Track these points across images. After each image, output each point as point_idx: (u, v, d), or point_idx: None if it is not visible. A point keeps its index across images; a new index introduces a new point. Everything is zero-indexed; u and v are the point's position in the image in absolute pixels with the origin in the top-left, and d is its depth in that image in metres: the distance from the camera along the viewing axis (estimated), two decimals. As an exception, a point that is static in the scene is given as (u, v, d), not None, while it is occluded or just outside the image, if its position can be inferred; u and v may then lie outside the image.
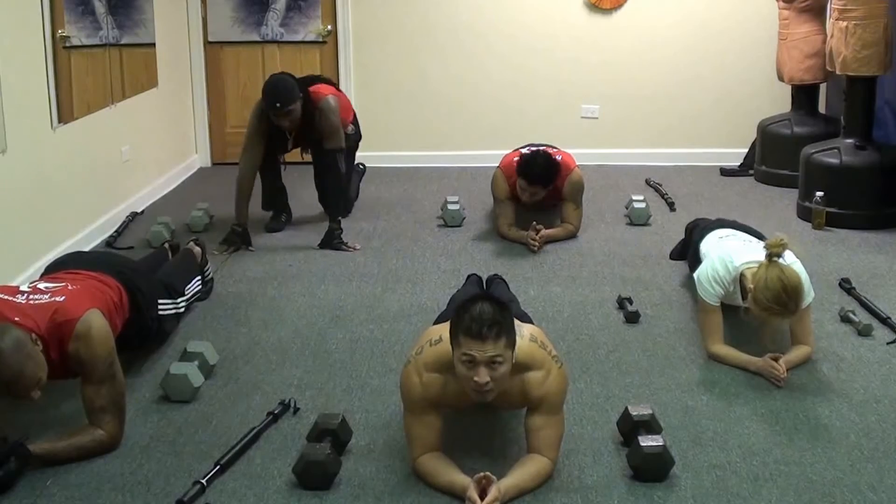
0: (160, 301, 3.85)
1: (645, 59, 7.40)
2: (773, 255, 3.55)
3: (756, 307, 3.55)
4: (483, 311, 2.78)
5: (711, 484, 3.01)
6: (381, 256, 5.33)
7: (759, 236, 4.28)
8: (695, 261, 4.36)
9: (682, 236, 5.01)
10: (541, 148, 5.49)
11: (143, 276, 3.83)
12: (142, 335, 3.72)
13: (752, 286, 3.56)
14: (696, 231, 4.58)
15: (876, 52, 5.55)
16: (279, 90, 5.28)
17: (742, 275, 3.70)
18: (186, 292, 4.21)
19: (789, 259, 3.64)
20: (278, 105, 5.24)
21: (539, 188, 5.31)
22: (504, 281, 4.39)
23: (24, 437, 3.04)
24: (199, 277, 4.44)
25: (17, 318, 3.04)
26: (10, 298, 3.17)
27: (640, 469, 3.01)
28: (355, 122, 6.12)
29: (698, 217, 5.24)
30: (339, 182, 5.48)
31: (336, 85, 6.21)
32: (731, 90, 7.40)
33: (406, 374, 3.01)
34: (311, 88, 5.45)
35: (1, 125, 4.47)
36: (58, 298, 3.21)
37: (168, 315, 3.93)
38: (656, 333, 4.21)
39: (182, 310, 4.09)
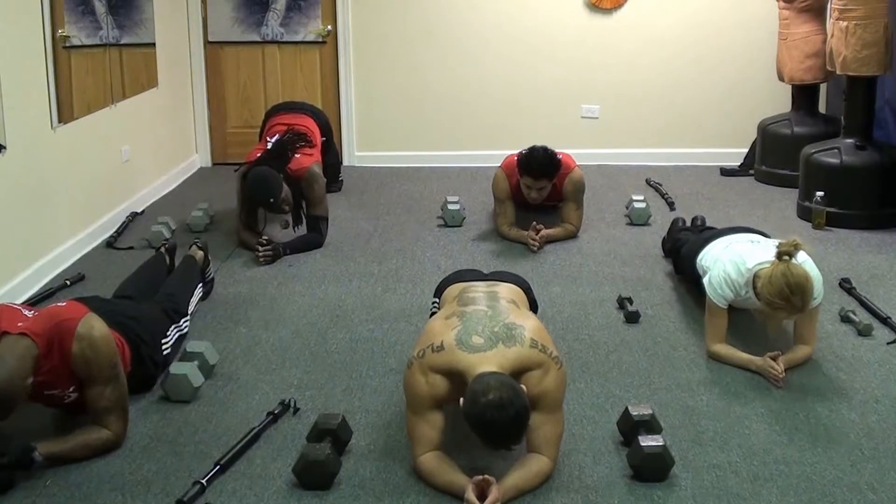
0: (163, 341, 3.77)
1: (645, 59, 7.40)
2: (783, 254, 3.55)
3: (762, 302, 3.59)
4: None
5: (711, 484, 3.01)
6: (381, 256, 5.32)
7: (759, 233, 4.29)
8: (692, 274, 4.35)
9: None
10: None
11: (145, 322, 3.69)
12: (143, 383, 3.63)
13: (760, 283, 3.59)
14: (688, 247, 4.54)
15: (876, 52, 5.54)
16: (267, 186, 5.17)
17: (755, 275, 3.69)
18: (190, 309, 4.16)
19: (801, 259, 3.64)
20: (272, 200, 5.20)
21: (545, 181, 5.30)
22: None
23: (32, 447, 3.03)
24: (200, 285, 4.42)
25: (20, 324, 3.08)
26: (18, 308, 3.23)
27: (640, 469, 3.01)
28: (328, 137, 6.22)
29: (680, 222, 5.25)
30: (317, 242, 5.43)
31: (300, 107, 6.19)
32: (731, 90, 7.40)
33: (410, 373, 3.01)
34: (291, 166, 5.35)
35: (1, 125, 4.47)
36: (59, 304, 3.32)
37: (172, 347, 3.84)
38: (656, 333, 4.21)
39: (185, 330, 4.02)
